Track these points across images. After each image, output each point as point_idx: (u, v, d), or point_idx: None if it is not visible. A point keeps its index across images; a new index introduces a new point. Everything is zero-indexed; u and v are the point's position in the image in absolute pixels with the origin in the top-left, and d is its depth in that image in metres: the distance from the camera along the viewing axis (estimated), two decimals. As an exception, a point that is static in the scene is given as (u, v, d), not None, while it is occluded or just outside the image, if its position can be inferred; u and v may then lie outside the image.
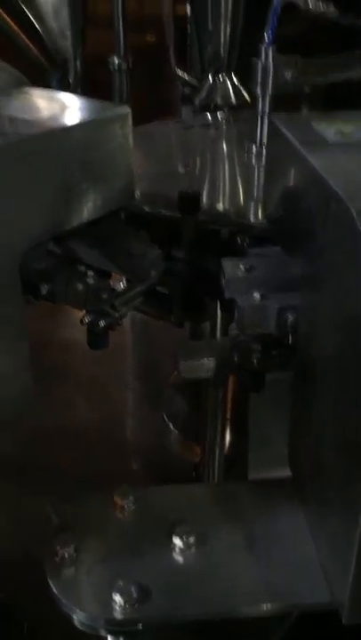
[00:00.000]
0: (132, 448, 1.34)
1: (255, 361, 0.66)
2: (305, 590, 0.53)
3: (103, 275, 0.73)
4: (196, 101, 1.47)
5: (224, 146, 1.15)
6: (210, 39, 1.42)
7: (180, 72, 1.57)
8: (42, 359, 1.54)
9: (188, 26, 1.66)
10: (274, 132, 0.64)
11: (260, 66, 0.92)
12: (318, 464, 0.55)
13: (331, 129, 0.60)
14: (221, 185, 0.95)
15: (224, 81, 1.47)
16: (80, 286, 0.68)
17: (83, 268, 0.70)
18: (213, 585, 0.54)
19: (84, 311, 0.71)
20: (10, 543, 1.09)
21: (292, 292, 0.63)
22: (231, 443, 1.02)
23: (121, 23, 1.56)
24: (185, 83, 1.59)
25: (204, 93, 1.49)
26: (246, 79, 1.23)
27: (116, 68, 1.56)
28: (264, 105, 0.94)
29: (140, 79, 1.80)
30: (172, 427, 1.35)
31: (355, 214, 0.43)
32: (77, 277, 0.69)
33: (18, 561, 0.99)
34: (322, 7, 1.05)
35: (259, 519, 0.60)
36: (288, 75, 0.94)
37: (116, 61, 1.55)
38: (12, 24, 1.41)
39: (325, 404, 0.53)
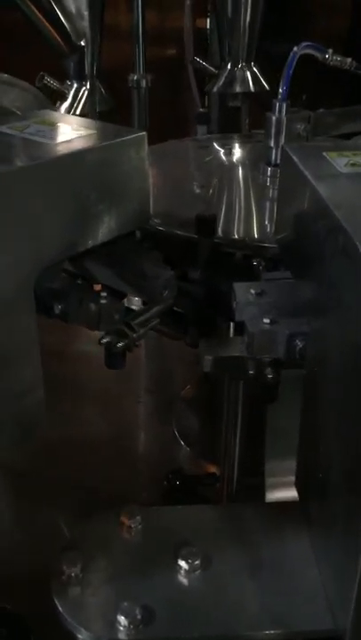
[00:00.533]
0: (143, 462, 1.35)
1: (269, 376, 0.67)
2: (308, 617, 0.54)
3: (116, 295, 0.74)
4: (215, 89, 1.49)
5: (239, 166, 1.16)
6: (230, 28, 1.44)
7: (198, 60, 1.59)
8: (54, 371, 1.55)
9: (208, 18, 1.68)
10: (285, 160, 0.64)
11: (273, 120, 0.96)
12: (323, 489, 0.55)
13: (342, 159, 0.61)
14: (236, 207, 0.96)
15: (243, 69, 1.49)
16: (93, 306, 0.69)
17: (96, 289, 0.71)
18: (217, 609, 0.54)
19: (103, 332, 0.73)
20: (19, 555, 1.10)
21: (302, 317, 0.64)
22: (248, 457, 1.03)
23: (141, 39, 1.58)
24: (204, 71, 1.60)
25: (222, 81, 1.51)
26: (265, 68, 1.25)
27: (135, 85, 1.59)
28: (277, 156, 0.97)
29: (159, 94, 1.83)
30: (182, 442, 1.35)
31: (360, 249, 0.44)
32: (90, 298, 0.70)
33: (25, 572, 1.00)
34: (338, 60, 1.08)
35: (265, 543, 0.60)
36: (300, 128, 0.98)
37: (135, 78, 1.58)
38: (32, 6, 1.42)
39: (330, 429, 0.54)
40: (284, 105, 0.96)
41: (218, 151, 1.26)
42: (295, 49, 0.97)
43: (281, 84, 0.93)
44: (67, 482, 1.23)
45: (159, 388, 1.55)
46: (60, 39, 1.50)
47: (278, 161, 0.92)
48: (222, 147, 1.27)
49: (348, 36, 2.02)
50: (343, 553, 0.51)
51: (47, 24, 1.50)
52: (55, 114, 0.76)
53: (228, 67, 1.54)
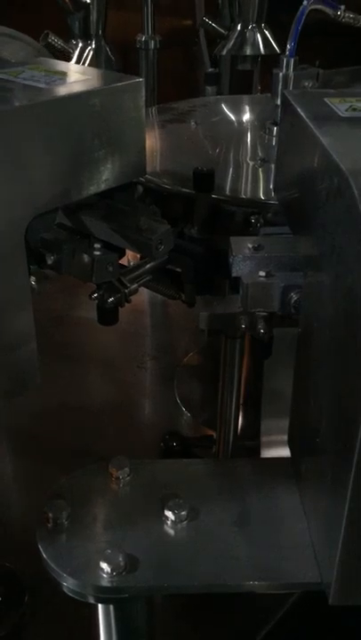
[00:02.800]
0: (144, 426, 1.35)
1: (261, 330, 0.66)
2: (294, 570, 0.53)
3: (111, 248, 0.73)
4: (224, 52, 1.46)
5: (246, 126, 1.14)
6: None
7: (208, 21, 1.55)
8: (56, 337, 1.55)
9: None
10: (285, 106, 0.62)
11: (280, 76, 0.93)
12: (313, 445, 0.54)
13: (344, 105, 0.59)
14: (238, 165, 0.94)
15: (253, 31, 1.45)
16: (86, 258, 0.68)
17: (90, 241, 0.70)
18: (202, 559, 0.54)
19: (94, 287, 0.72)
20: (19, 516, 1.11)
21: (298, 271, 0.62)
22: (245, 420, 1.02)
23: (150, 2, 1.55)
24: (214, 32, 1.56)
25: (232, 43, 1.48)
26: (276, 31, 1.21)
27: (143, 46, 1.55)
28: None
29: (168, 62, 1.79)
30: (183, 408, 1.35)
31: (355, 191, 0.42)
32: (84, 249, 0.69)
33: (21, 529, 1.01)
34: (351, 17, 1.04)
35: (254, 497, 0.59)
36: (308, 85, 0.95)
37: (144, 39, 1.55)
38: None
39: (321, 384, 0.52)
40: (292, 61, 0.93)
41: (225, 111, 1.23)
42: (305, 2, 0.94)
43: (289, 39, 0.90)
44: (68, 445, 1.24)
45: (162, 355, 1.54)
46: None
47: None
48: (230, 107, 1.25)
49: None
50: (330, 508, 0.50)
51: None
52: (50, 61, 0.74)
53: (238, 28, 1.50)
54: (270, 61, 1.56)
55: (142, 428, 1.34)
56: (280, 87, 0.94)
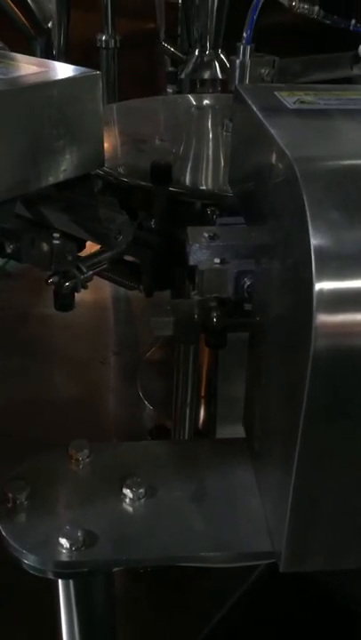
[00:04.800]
0: (107, 421, 1.36)
1: (215, 319, 0.67)
2: (248, 540, 0.55)
3: (70, 238, 0.74)
4: (183, 75, 1.48)
5: (204, 122, 1.16)
6: (197, 14, 1.43)
7: (166, 46, 1.57)
8: (20, 333, 1.55)
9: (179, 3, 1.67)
10: (238, 99, 0.65)
11: (237, 63, 0.95)
12: (265, 421, 0.57)
13: (293, 98, 0.61)
14: (195, 158, 0.96)
15: (211, 56, 1.48)
16: (45, 246, 0.69)
17: (50, 230, 0.71)
18: (159, 533, 0.55)
19: (51, 272, 0.73)
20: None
21: (251, 259, 0.64)
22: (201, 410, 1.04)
23: (109, 2, 1.57)
24: (173, 58, 1.59)
25: (190, 67, 1.50)
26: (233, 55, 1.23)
27: (104, 45, 1.57)
28: None
29: (132, 63, 1.81)
30: (146, 402, 1.37)
31: (298, 173, 0.44)
32: (43, 238, 0.70)
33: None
34: (306, 7, 1.06)
35: (210, 475, 0.61)
36: (265, 72, 0.96)
37: (104, 38, 1.57)
38: None
39: (269, 365, 0.55)
40: (249, 48, 0.95)
41: (184, 108, 1.26)
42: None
43: (245, 26, 0.92)
44: (30, 438, 1.24)
45: (125, 351, 1.55)
46: (26, 22, 1.49)
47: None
48: (189, 104, 1.27)
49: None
50: (279, 482, 0.52)
51: (14, 6, 1.47)
52: (8, 53, 0.75)
53: (196, 53, 1.52)
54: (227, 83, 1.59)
55: (106, 422, 1.35)
56: (237, 74, 0.96)
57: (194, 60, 1.48)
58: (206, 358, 1.11)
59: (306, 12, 1.04)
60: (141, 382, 1.40)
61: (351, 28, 1.08)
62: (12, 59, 0.71)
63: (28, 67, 0.69)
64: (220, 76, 1.52)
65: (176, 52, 1.59)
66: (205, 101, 1.33)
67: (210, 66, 1.48)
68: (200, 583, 0.89)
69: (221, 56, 1.49)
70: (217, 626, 0.86)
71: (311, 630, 0.85)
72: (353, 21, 1.08)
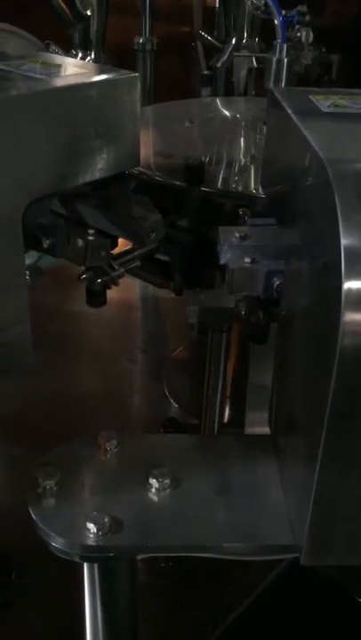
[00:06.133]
0: (132, 418, 1.38)
1: (261, 315, 0.69)
2: (270, 532, 0.56)
3: (104, 235, 0.76)
4: (219, 64, 1.50)
5: (239, 124, 1.18)
6: (234, 2, 1.44)
7: (203, 34, 1.59)
8: (51, 329, 1.58)
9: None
10: (272, 102, 0.66)
11: (273, 61, 0.96)
12: (290, 416, 0.58)
13: (327, 101, 0.62)
14: (231, 160, 0.98)
15: (247, 45, 1.49)
16: (80, 242, 0.72)
17: (85, 227, 0.73)
18: (183, 523, 0.57)
19: (84, 268, 0.75)
20: (12, 498, 1.13)
21: (281, 259, 0.66)
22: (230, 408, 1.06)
23: (148, 5, 1.59)
24: (210, 45, 1.61)
25: (226, 56, 1.52)
26: (269, 45, 1.25)
27: (140, 48, 1.60)
28: None
29: (168, 66, 1.84)
30: (172, 400, 1.38)
31: (330, 175, 0.46)
32: (78, 234, 0.72)
33: (8, 511, 1.04)
34: None
35: (235, 468, 0.62)
36: (299, 68, 0.98)
37: (141, 41, 1.59)
38: None
39: (296, 365, 0.56)
40: (285, 47, 0.96)
41: (220, 111, 1.27)
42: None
43: (277, 25, 0.93)
44: (58, 433, 1.26)
45: (152, 349, 1.57)
46: (66, 8, 1.51)
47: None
48: (224, 107, 1.28)
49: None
50: (302, 477, 0.53)
51: None
52: (50, 55, 0.78)
53: (233, 41, 1.53)
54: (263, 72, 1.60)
55: (131, 419, 1.37)
56: (273, 72, 0.97)
57: (230, 48, 1.49)
58: (233, 359, 1.12)
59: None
60: (167, 381, 1.42)
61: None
62: (54, 60, 0.74)
63: (69, 68, 0.71)
64: (255, 64, 1.53)
65: (213, 40, 1.61)
66: (240, 104, 1.34)
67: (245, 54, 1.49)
68: (219, 580, 0.91)
69: (257, 44, 1.51)
70: (235, 622, 0.87)
71: (328, 629, 0.86)
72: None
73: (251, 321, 0.72)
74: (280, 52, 0.95)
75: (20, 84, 0.65)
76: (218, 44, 1.61)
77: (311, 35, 1.45)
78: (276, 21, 0.94)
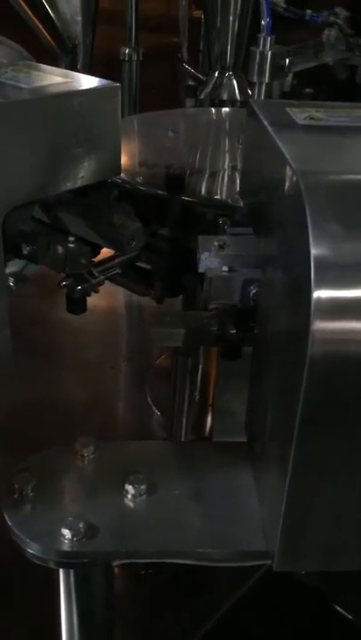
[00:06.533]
0: (114, 425, 1.38)
1: (232, 332, 0.69)
2: (244, 539, 0.57)
3: (85, 242, 0.77)
4: (202, 95, 1.52)
5: (220, 134, 1.19)
6: (218, 36, 1.46)
7: (188, 67, 1.61)
8: (33, 338, 1.58)
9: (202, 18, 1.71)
10: (250, 114, 0.67)
11: (257, 54, 0.97)
12: (264, 424, 0.58)
13: (303, 114, 0.64)
14: (211, 170, 0.99)
15: (230, 78, 1.51)
16: (60, 249, 0.72)
17: (65, 234, 0.74)
18: (158, 528, 0.57)
19: (64, 275, 0.76)
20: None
21: (258, 268, 0.67)
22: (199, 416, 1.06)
23: (134, 16, 1.61)
24: (194, 77, 1.63)
25: (209, 88, 1.53)
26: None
27: (127, 58, 1.61)
28: (260, 92, 0.98)
29: (154, 76, 1.85)
30: (154, 408, 1.39)
31: (302, 186, 0.47)
32: (59, 241, 0.73)
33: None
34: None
35: (210, 475, 0.63)
36: (285, 62, 0.99)
37: (127, 51, 1.60)
38: (26, 8, 1.46)
39: (272, 370, 0.57)
40: (269, 39, 0.97)
41: (202, 120, 1.29)
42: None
43: (262, 15, 0.94)
44: (40, 440, 1.26)
45: (136, 357, 1.58)
46: (52, 41, 1.53)
47: (262, 97, 0.91)
48: (207, 117, 1.30)
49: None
50: (275, 485, 0.54)
51: (41, 26, 1.52)
52: (33, 64, 0.78)
53: (216, 74, 1.55)
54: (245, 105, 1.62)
55: (114, 426, 1.37)
56: (256, 64, 0.97)
57: (213, 80, 1.51)
58: (214, 368, 1.12)
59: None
60: (150, 388, 1.43)
61: (307, 18, 1.12)
62: (37, 69, 0.74)
63: (51, 77, 0.72)
64: (238, 97, 1.54)
65: (197, 72, 1.63)
66: (223, 114, 1.35)
67: (229, 87, 1.51)
68: (199, 587, 0.91)
69: (240, 77, 1.52)
70: (214, 628, 0.88)
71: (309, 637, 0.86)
72: (308, 11, 1.11)
73: (224, 337, 0.71)
74: (264, 45, 0.95)
75: (3, 92, 0.66)
76: (201, 76, 1.63)
77: (334, 35, 1.47)
78: (262, 22, 0.95)
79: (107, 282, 0.80)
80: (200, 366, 1.01)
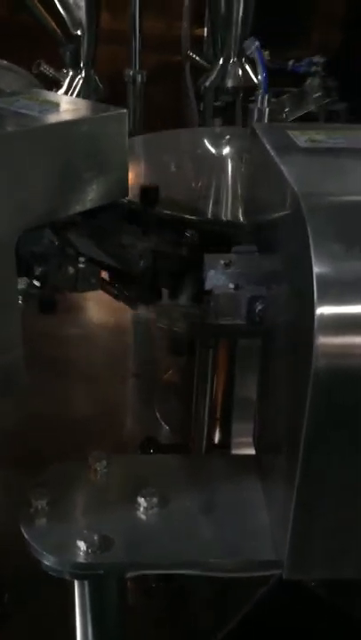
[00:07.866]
0: (124, 440, 1.40)
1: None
2: (254, 549, 0.58)
3: (95, 262, 0.79)
4: (207, 83, 1.54)
5: (224, 156, 1.21)
6: (223, 24, 1.49)
7: (192, 55, 1.63)
8: (45, 353, 1.60)
9: (206, 27, 1.74)
10: (253, 137, 0.70)
11: (255, 111, 1.01)
12: (271, 437, 0.60)
13: (304, 136, 0.66)
14: (216, 190, 1.01)
15: (235, 65, 1.54)
16: (71, 270, 0.74)
17: (75, 254, 0.76)
18: (171, 540, 0.59)
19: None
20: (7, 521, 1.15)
21: (263, 285, 0.69)
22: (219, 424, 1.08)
23: (138, 38, 1.64)
24: (198, 65, 1.65)
25: (214, 76, 1.56)
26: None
27: (131, 80, 1.64)
28: None
29: (158, 96, 1.89)
30: (162, 422, 1.40)
31: (304, 207, 0.49)
32: (70, 262, 0.75)
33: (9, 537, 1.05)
34: None
35: (221, 487, 0.65)
36: (282, 116, 1.04)
37: (131, 73, 1.64)
38: None
39: (278, 385, 0.59)
40: (266, 96, 1.01)
41: (206, 142, 1.31)
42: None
43: (260, 71, 0.98)
44: (49, 455, 1.28)
45: (144, 373, 1.60)
46: (56, 27, 1.56)
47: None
48: (211, 138, 1.32)
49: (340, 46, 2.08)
50: (283, 496, 0.55)
51: (45, 13, 1.55)
52: (43, 92, 0.81)
53: (220, 62, 1.58)
54: (251, 94, 1.66)
55: (123, 441, 1.39)
56: (255, 120, 1.02)
57: (218, 68, 1.53)
58: (222, 382, 1.14)
59: None
60: (158, 404, 1.44)
61: (289, 68, 1.17)
62: (47, 96, 0.77)
63: (62, 104, 0.74)
64: (243, 84, 1.57)
65: (201, 60, 1.65)
66: (227, 134, 1.38)
67: (233, 74, 1.54)
68: (207, 599, 0.92)
69: (245, 65, 1.55)
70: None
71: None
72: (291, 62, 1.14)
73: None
74: (261, 103, 1.00)
75: (16, 120, 0.69)
76: (206, 64, 1.66)
77: (316, 84, 1.53)
78: (259, 77, 0.99)
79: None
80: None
